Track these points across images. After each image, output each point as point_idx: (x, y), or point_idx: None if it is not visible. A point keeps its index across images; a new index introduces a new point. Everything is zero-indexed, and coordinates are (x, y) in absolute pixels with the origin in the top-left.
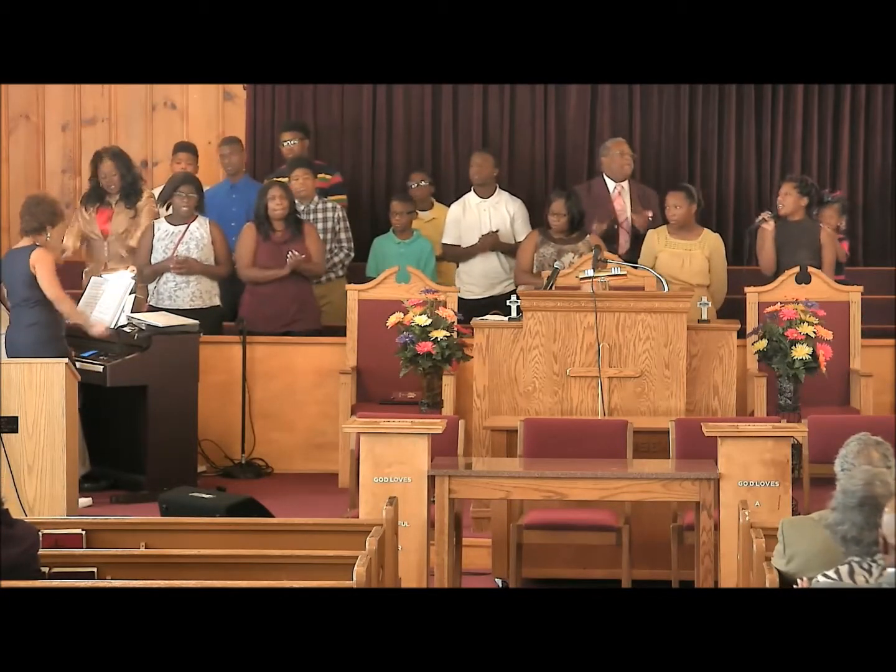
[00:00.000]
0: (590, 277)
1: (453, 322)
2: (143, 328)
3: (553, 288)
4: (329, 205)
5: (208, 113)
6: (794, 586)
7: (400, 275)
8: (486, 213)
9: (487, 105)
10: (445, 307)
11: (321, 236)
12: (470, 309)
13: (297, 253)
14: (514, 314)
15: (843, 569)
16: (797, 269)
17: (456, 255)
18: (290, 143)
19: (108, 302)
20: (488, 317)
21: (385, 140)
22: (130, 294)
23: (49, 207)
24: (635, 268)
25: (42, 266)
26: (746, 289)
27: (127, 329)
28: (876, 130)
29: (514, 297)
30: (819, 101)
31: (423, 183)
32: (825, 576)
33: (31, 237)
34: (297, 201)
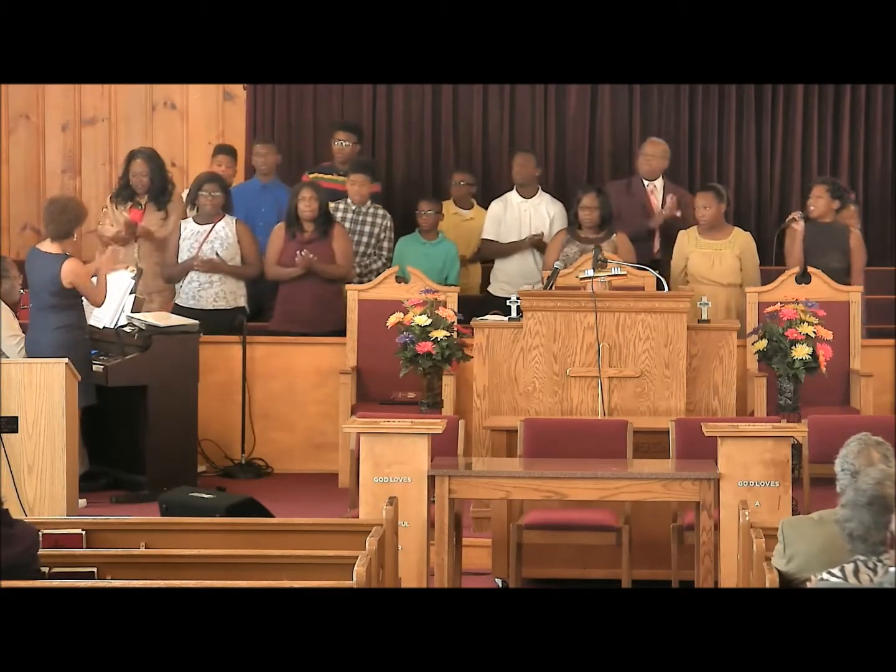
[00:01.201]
0: (590, 277)
1: (453, 322)
2: (143, 328)
3: (553, 288)
4: (380, 212)
5: (208, 113)
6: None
7: (401, 274)
8: (527, 213)
9: (487, 105)
10: (445, 307)
11: (365, 240)
12: (503, 307)
13: (305, 253)
14: (514, 314)
15: (849, 567)
16: (797, 269)
17: (495, 251)
18: (343, 144)
19: (108, 302)
20: (488, 317)
21: (385, 140)
22: (130, 294)
23: (74, 213)
24: (635, 268)
25: (78, 280)
26: (746, 289)
27: (127, 329)
28: (876, 130)
29: (513, 297)
30: (819, 101)
31: (464, 182)
32: (830, 573)
33: (60, 243)
34: (349, 201)
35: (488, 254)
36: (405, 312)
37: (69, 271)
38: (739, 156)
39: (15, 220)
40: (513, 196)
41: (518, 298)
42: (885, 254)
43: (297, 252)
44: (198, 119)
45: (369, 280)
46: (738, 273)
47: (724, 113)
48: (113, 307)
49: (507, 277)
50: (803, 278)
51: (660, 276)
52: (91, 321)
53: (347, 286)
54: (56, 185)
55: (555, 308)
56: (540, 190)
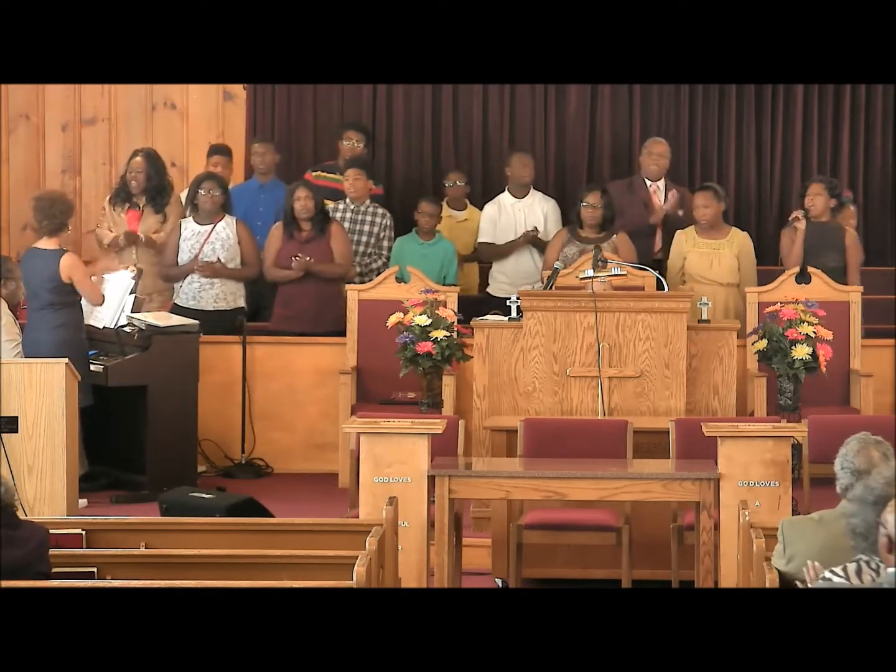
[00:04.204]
0: (590, 277)
1: (453, 322)
2: (143, 328)
3: (553, 288)
4: (380, 211)
5: (208, 113)
6: (805, 570)
7: (400, 275)
8: (521, 212)
9: (487, 105)
10: (445, 307)
11: (364, 239)
12: (503, 307)
13: (300, 256)
14: (514, 314)
15: (851, 567)
16: (797, 269)
17: (493, 253)
18: (354, 143)
19: (108, 302)
20: (488, 317)
21: (385, 140)
22: (130, 294)
23: (63, 204)
24: (635, 268)
25: (77, 273)
26: (746, 289)
27: (127, 329)
28: (876, 130)
29: (513, 297)
30: (819, 101)
31: (458, 183)
32: (833, 573)
33: (54, 237)
34: (348, 200)
35: (487, 257)
36: (405, 312)
37: (67, 265)
38: (739, 156)
39: (15, 220)
40: (505, 197)
41: (518, 298)
42: (885, 254)
43: (294, 256)
44: (198, 119)
45: (370, 279)
46: (737, 273)
47: (724, 113)
48: (113, 307)
49: (506, 277)
50: (803, 278)
51: (660, 276)
52: (91, 321)
53: (347, 286)
54: (56, 185)
55: (555, 308)
56: (532, 189)
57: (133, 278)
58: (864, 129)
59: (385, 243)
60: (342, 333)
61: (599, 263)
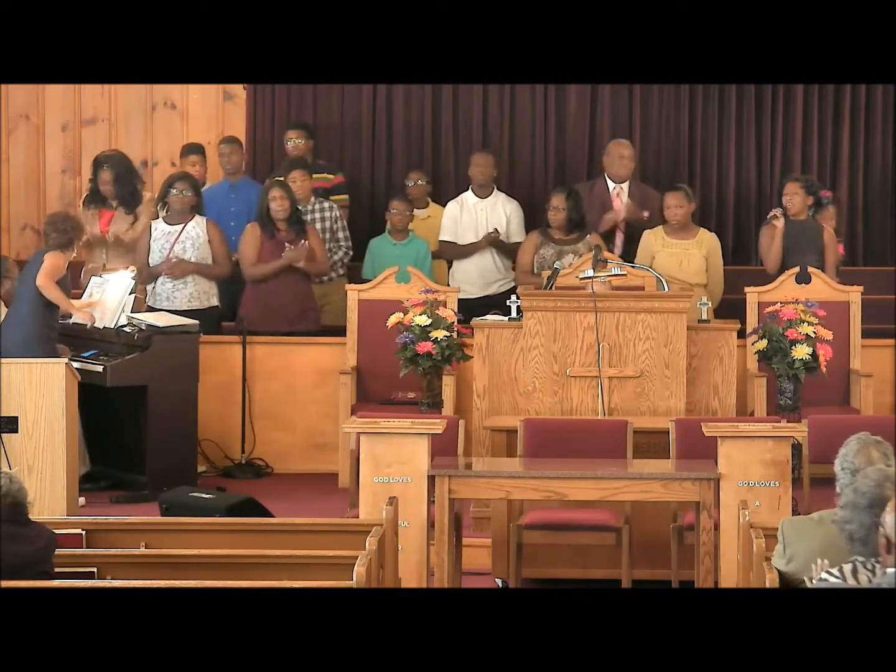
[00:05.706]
0: (590, 277)
1: (453, 322)
2: (143, 328)
3: (553, 288)
4: (325, 205)
5: (208, 113)
6: (814, 569)
7: (400, 275)
8: (484, 212)
9: (487, 105)
10: (445, 307)
11: (320, 235)
12: (465, 308)
13: (290, 246)
14: (514, 314)
15: (847, 567)
16: (797, 268)
17: (453, 252)
18: (297, 142)
19: (108, 302)
20: (488, 317)
21: (385, 140)
22: (130, 294)
23: (76, 223)
24: (635, 268)
25: (47, 263)
26: (746, 289)
27: (127, 329)
28: (876, 130)
29: (514, 297)
30: (819, 101)
31: (420, 182)
32: (829, 573)
33: (60, 251)
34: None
35: (447, 255)
36: (405, 312)
37: (46, 256)
38: (739, 156)
39: (15, 220)
40: (468, 196)
41: (518, 298)
42: (885, 254)
43: (286, 244)
44: (198, 119)
45: (336, 273)
46: (705, 274)
47: (724, 113)
48: (113, 307)
49: (466, 277)
50: (803, 278)
51: (660, 277)
52: None
53: (347, 286)
54: (56, 185)
55: (555, 308)
56: (495, 189)
57: (133, 278)
58: (864, 129)
59: (340, 234)
60: (320, 333)
61: (599, 263)
